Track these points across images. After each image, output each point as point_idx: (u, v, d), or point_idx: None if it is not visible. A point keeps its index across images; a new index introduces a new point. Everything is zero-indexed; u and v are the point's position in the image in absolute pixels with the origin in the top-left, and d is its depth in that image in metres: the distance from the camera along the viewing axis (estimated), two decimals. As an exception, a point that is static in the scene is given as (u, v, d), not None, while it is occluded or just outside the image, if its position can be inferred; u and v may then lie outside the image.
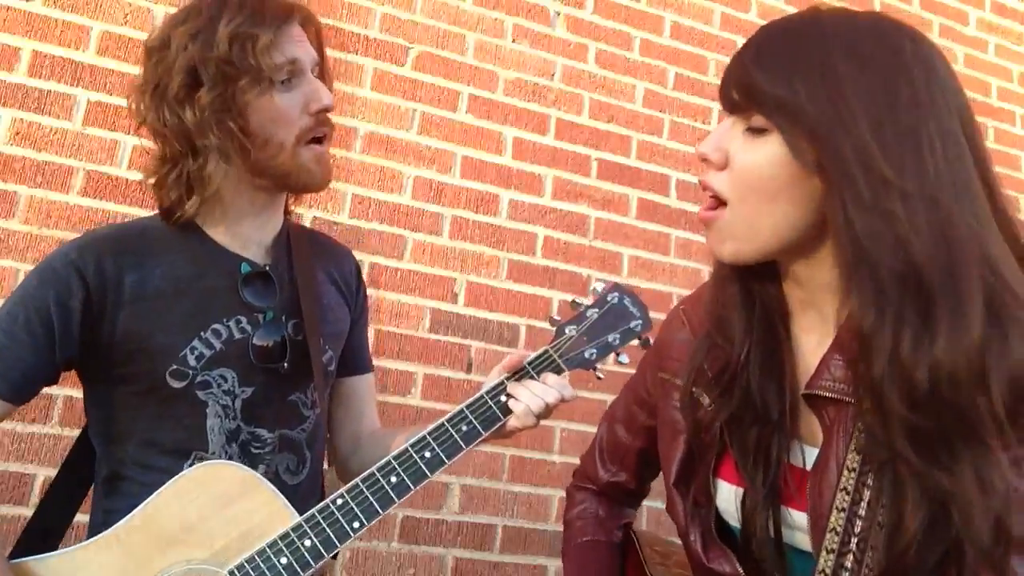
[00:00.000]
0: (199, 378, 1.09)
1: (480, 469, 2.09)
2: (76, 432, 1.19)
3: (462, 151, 2.23)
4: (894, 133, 0.71)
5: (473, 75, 2.28)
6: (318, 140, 1.15)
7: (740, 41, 2.56)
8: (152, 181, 1.15)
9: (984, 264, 0.69)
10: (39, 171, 1.86)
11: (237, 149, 1.10)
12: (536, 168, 2.30)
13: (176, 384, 1.08)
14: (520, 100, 2.32)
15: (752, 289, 0.86)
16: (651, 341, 1.12)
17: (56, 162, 1.88)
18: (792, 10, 2.64)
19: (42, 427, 1.76)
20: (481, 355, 2.14)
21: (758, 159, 0.76)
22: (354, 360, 1.34)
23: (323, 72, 1.20)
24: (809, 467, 0.81)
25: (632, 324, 1.13)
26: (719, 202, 0.81)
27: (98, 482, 1.14)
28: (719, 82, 0.82)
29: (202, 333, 1.10)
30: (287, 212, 1.28)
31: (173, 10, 2.01)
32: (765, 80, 0.74)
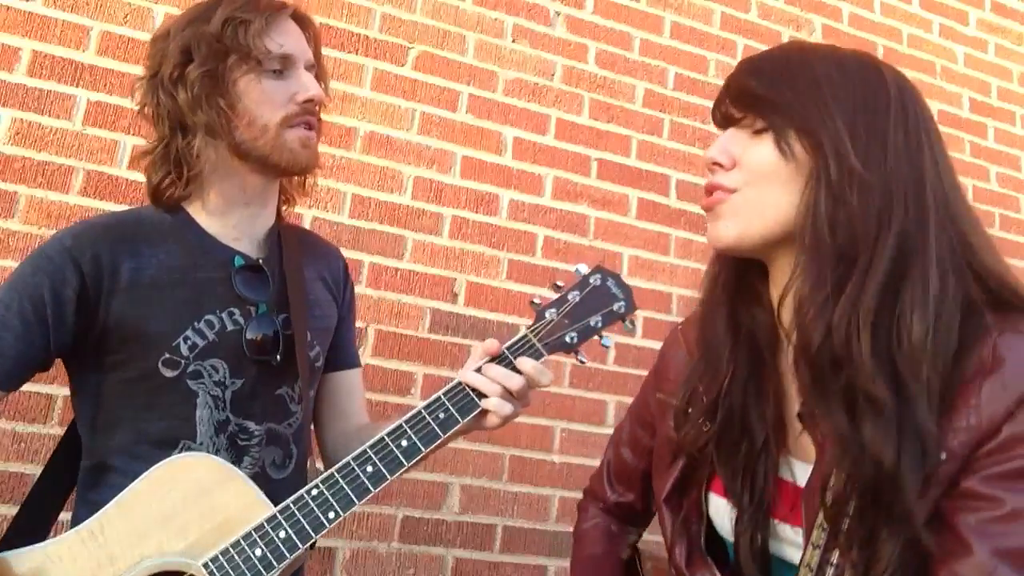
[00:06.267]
0: (191, 368, 1.09)
1: (480, 469, 2.09)
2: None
3: (462, 151, 2.23)
4: (865, 131, 0.80)
5: (473, 75, 2.28)
6: (304, 126, 1.16)
7: (740, 41, 2.59)
8: (144, 163, 1.17)
9: (914, 256, 0.77)
10: (39, 171, 1.86)
11: (224, 126, 1.11)
12: (536, 168, 2.30)
13: (168, 373, 1.08)
14: (520, 100, 2.32)
15: (740, 313, 0.91)
16: (634, 324, 1.12)
17: (56, 162, 1.88)
18: (792, 10, 2.64)
19: (42, 427, 1.76)
20: (481, 355, 2.14)
21: (763, 152, 0.84)
22: (341, 355, 1.33)
23: (318, 72, 1.22)
24: (802, 483, 0.84)
25: (615, 306, 1.09)
26: (726, 191, 0.86)
27: (83, 473, 1.14)
28: (719, 83, 0.84)
29: (195, 323, 1.10)
30: (280, 212, 1.29)
31: (173, 10, 2.01)
32: (758, 87, 0.84)
